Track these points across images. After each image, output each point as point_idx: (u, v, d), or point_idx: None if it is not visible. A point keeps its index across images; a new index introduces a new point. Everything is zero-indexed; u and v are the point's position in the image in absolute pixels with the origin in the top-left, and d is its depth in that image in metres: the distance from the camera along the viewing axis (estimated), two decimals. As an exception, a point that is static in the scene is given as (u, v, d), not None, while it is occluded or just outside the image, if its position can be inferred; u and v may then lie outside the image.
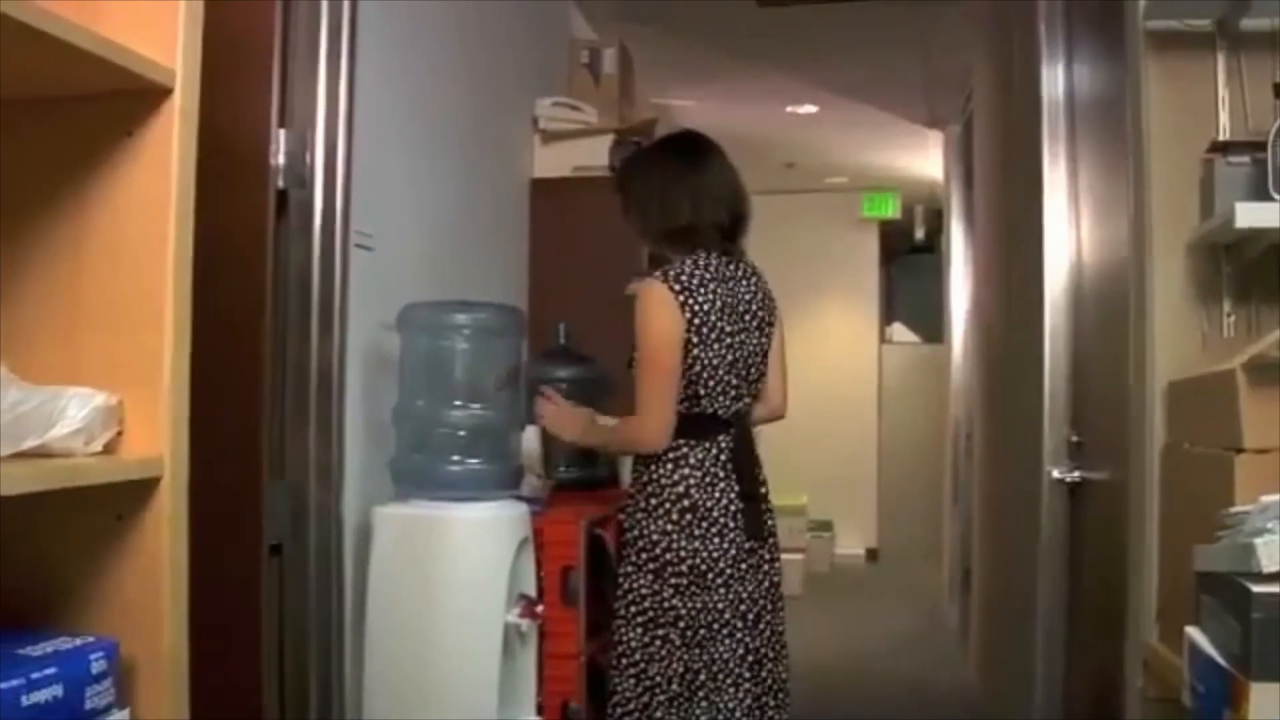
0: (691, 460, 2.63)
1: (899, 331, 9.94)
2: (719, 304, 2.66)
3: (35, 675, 1.07)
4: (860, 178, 9.20)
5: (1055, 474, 3.21)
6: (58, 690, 1.09)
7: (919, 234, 9.79)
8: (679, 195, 2.72)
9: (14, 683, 1.05)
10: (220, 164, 1.45)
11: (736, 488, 2.66)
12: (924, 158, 8.10)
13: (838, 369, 9.43)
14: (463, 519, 2.54)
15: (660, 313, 2.62)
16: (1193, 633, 1.75)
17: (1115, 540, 2.58)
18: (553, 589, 2.84)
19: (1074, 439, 3.22)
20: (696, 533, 2.60)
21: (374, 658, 2.51)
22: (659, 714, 2.58)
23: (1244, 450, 1.85)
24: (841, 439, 9.35)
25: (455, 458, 2.62)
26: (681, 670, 2.58)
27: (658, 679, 2.59)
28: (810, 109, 7.16)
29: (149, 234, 1.25)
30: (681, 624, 2.58)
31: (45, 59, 1.15)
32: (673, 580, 2.59)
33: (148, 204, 1.25)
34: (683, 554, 2.59)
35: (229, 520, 2.12)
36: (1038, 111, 3.37)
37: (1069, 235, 3.31)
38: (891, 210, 9.62)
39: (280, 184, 2.37)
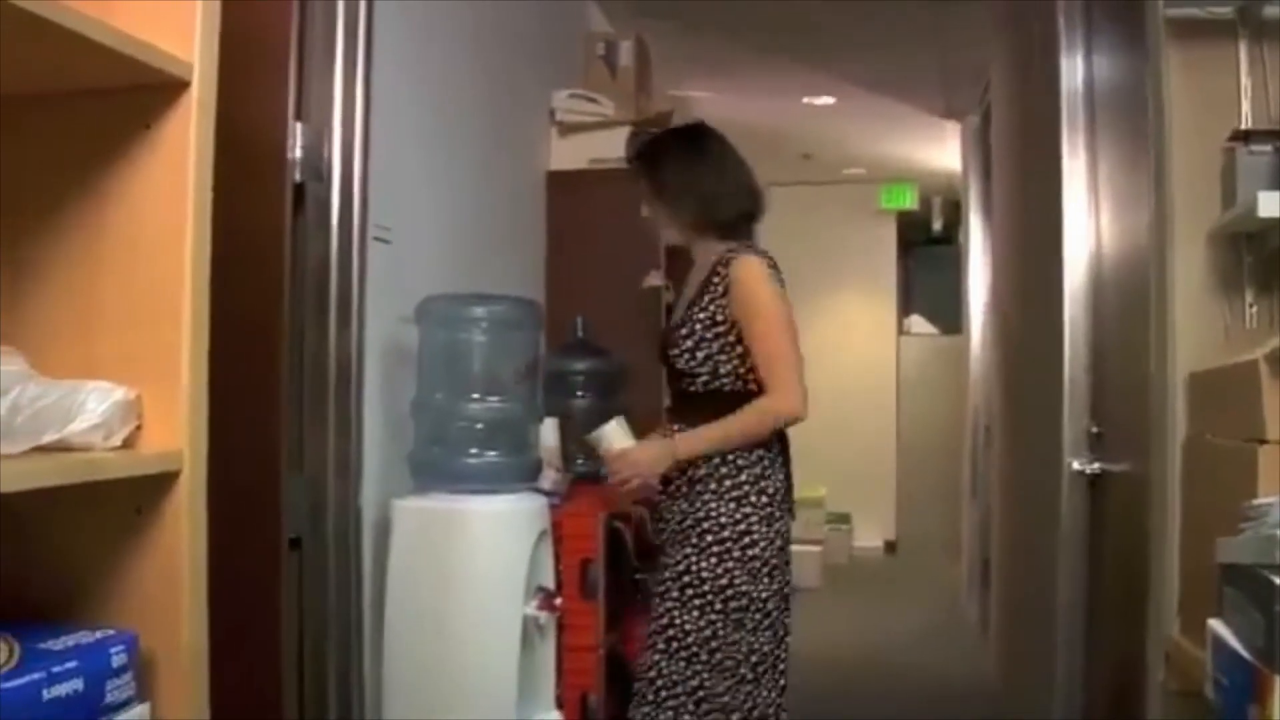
0: (765, 443, 2.66)
1: (917, 323, 9.90)
2: None
3: (56, 669, 1.08)
4: (878, 169, 9.17)
5: (1075, 466, 3.20)
6: (78, 684, 1.09)
7: (937, 225, 9.75)
8: (735, 186, 2.77)
9: (35, 676, 1.05)
10: (237, 158, 1.45)
11: (785, 470, 2.71)
12: (942, 149, 8.06)
13: (856, 361, 9.41)
14: (481, 512, 2.54)
15: (773, 284, 2.66)
16: (1216, 625, 1.73)
17: (1136, 532, 2.57)
18: (571, 582, 2.84)
19: (1094, 430, 3.20)
20: (777, 515, 2.62)
21: (393, 650, 2.52)
22: (726, 697, 2.58)
23: (1267, 441, 1.83)
24: (859, 431, 9.33)
25: (474, 450, 2.62)
26: (747, 651, 2.58)
27: (724, 660, 2.57)
28: (827, 100, 7.14)
29: (167, 227, 1.25)
30: (753, 608, 2.58)
31: (63, 53, 1.15)
32: (750, 564, 2.58)
33: (165, 197, 1.25)
34: (756, 537, 2.59)
35: (248, 514, 2.12)
36: (1057, 102, 3.36)
37: (1088, 225, 3.29)
38: (909, 202, 9.58)
39: (297, 178, 2.37)
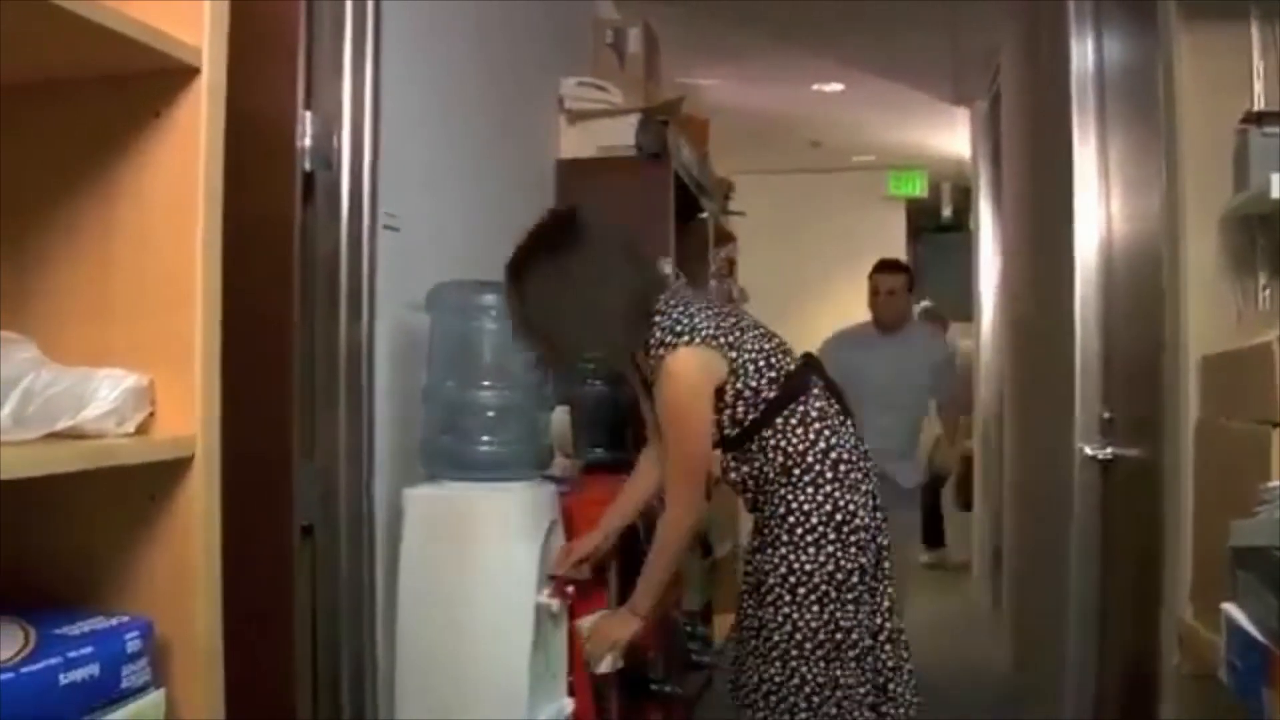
0: (813, 411, 2.52)
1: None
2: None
3: (72, 654, 1.08)
4: (887, 156, 9.14)
5: (1087, 451, 3.19)
6: (94, 669, 1.10)
7: (946, 212, 9.74)
8: (623, 297, 2.50)
9: (52, 662, 1.06)
10: (246, 146, 1.44)
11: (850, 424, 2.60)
12: (951, 135, 8.04)
13: (865, 348, 9.39)
14: (492, 500, 2.54)
15: (689, 384, 2.48)
16: (1230, 609, 1.73)
17: (1148, 517, 2.56)
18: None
19: (1106, 415, 3.20)
20: (858, 477, 2.51)
21: (405, 639, 2.52)
22: (861, 679, 2.49)
23: (1280, 424, 1.83)
24: (870, 418, 9.30)
25: (485, 439, 2.62)
26: (868, 624, 2.50)
27: (848, 650, 2.47)
28: (836, 87, 7.12)
29: (178, 213, 1.25)
30: (868, 577, 2.49)
31: (72, 39, 1.15)
32: (851, 537, 2.46)
33: (176, 183, 1.25)
34: (852, 508, 2.47)
35: (261, 502, 2.12)
36: (1067, 85, 3.35)
37: (1100, 210, 3.28)
38: (918, 188, 9.57)
39: (307, 166, 2.36)
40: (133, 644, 1.16)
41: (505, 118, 3.65)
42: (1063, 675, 3.41)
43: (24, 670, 1.03)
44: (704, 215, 5.25)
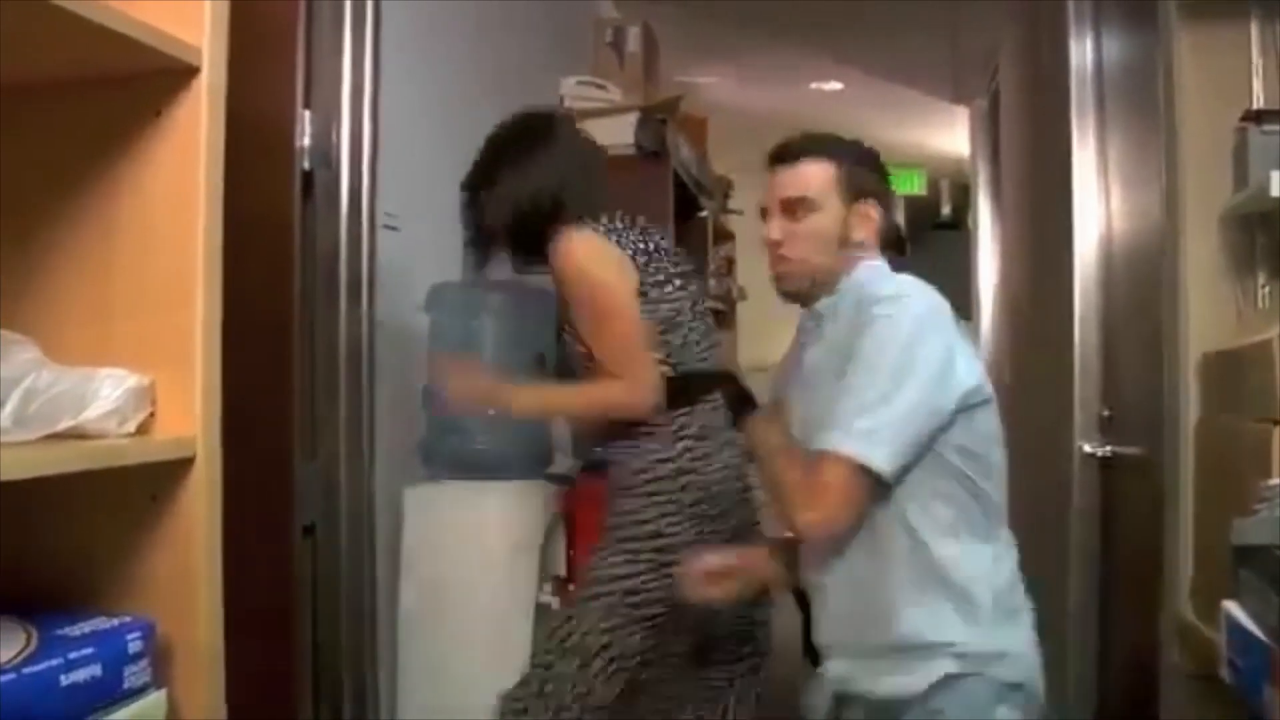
0: (696, 427, 2.38)
1: (926, 309, 9.87)
2: None
3: (74, 655, 1.08)
4: (886, 154, 8.98)
5: (1086, 449, 3.19)
6: (96, 670, 1.10)
7: (945, 210, 9.72)
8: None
9: (53, 663, 1.06)
10: (245, 145, 1.44)
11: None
12: (950, 134, 8.04)
13: (864, 347, 9.37)
14: (493, 499, 2.55)
15: (598, 260, 2.30)
16: (1231, 607, 1.73)
17: (1148, 515, 2.56)
18: (583, 568, 2.83)
19: (1105, 413, 3.19)
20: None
21: (406, 637, 2.53)
22: None
23: (1281, 422, 1.83)
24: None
25: (485, 438, 2.62)
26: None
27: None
28: (835, 86, 7.12)
29: (179, 213, 1.25)
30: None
31: (73, 39, 1.15)
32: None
33: (177, 183, 1.25)
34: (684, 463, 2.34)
35: (262, 501, 2.11)
36: (1066, 84, 3.34)
37: (1099, 208, 3.28)
38: (917, 187, 9.55)
39: (306, 165, 2.36)
40: (134, 644, 1.16)
41: (505, 116, 3.65)
42: (1063, 674, 3.41)
43: (25, 671, 1.03)
44: (703, 214, 5.25)
